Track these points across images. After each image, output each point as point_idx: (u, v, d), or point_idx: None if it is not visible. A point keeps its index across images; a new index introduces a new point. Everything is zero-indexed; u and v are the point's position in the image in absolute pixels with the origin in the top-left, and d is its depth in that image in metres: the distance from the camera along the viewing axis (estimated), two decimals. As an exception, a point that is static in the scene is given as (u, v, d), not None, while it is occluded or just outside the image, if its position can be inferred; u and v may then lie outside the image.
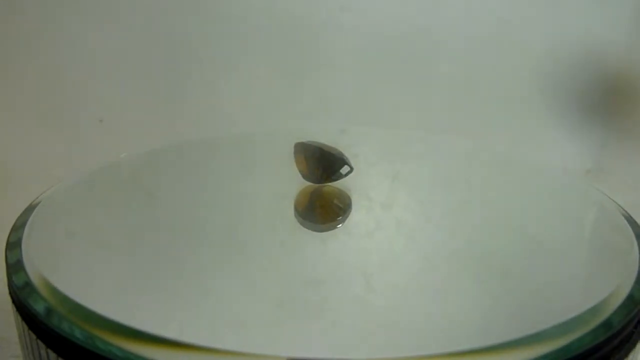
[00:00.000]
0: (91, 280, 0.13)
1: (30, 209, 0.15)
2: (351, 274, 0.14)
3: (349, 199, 0.18)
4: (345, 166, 0.18)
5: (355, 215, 0.18)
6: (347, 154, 0.18)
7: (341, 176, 0.18)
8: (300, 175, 0.18)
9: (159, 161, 0.21)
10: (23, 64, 0.36)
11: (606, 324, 0.11)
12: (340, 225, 0.17)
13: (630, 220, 0.15)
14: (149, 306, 0.12)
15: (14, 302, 0.12)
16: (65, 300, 0.11)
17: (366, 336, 0.12)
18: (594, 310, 0.11)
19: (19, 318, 0.12)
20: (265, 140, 0.24)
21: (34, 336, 0.12)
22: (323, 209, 0.18)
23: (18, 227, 0.15)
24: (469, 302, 0.13)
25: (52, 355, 0.11)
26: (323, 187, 0.18)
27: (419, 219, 0.18)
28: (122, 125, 0.36)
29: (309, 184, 0.18)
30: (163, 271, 0.14)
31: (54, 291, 0.12)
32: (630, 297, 0.12)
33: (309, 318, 0.12)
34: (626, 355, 0.11)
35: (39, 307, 0.11)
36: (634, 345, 0.11)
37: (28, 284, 0.12)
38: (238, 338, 0.11)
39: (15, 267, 0.13)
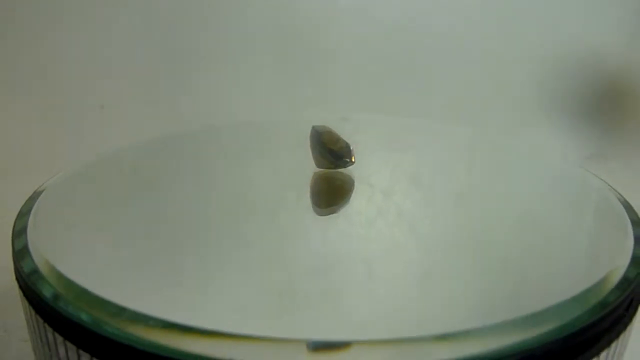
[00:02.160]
0: (96, 265, 0.13)
1: (35, 197, 0.16)
2: (352, 262, 0.14)
3: (352, 185, 0.18)
4: (345, 159, 0.18)
5: (356, 203, 0.18)
6: (349, 142, 0.19)
7: (341, 167, 0.18)
8: (302, 164, 0.19)
9: (161, 150, 0.21)
10: (23, 49, 0.35)
11: (602, 304, 0.11)
12: (339, 209, 0.17)
13: (626, 205, 0.16)
14: (152, 291, 0.13)
15: (20, 287, 0.13)
16: (71, 285, 0.12)
17: (367, 323, 0.12)
18: (589, 291, 0.12)
19: (26, 303, 0.12)
20: (267, 129, 0.25)
21: (41, 320, 0.12)
22: (326, 193, 0.18)
23: (24, 214, 0.15)
24: (469, 289, 0.13)
25: (59, 338, 0.11)
26: (329, 172, 0.19)
27: (420, 207, 0.18)
28: (123, 111, 0.36)
29: (315, 169, 0.19)
30: (166, 257, 0.14)
31: (60, 276, 0.12)
32: (625, 279, 0.12)
33: (310, 306, 0.12)
34: (616, 336, 0.11)
35: (46, 292, 0.12)
36: (624, 327, 0.11)
37: (35, 270, 0.12)
38: (238, 325, 0.11)
39: (21, 253, 0.13)
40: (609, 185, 0.17)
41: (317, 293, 0.13)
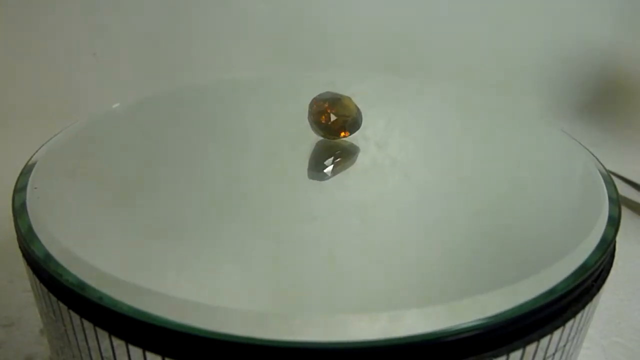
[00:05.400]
0: (90, 228, 0.14)
1: (32, 163, 0.16)
2: (347, 211, 0.15)
3: (348, 155, 0.18)
4: (333, 136, 0.18)
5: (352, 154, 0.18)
6: (345, 94, 0.18)
7: (333, 139, 0.18)
8: (298, 118, 0.19)
9: (159, 106, 0.22)
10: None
11: (583, 267, 0.12)
12: (329, 177, 0.17)
13: (604, 174, 0.16)
14: (149, 244, 0.13)
15: (19, 245, 0.14)
16: (60, 247, 0.12)
17: (360, 268, 0.12)
18: (573, 255, 0.12)
19: (25, 262, 0.13)
20: (265, 84, 0.24)
21: (37, 279, 0.13)
22: (322, 160, 0.18)
23: (24, 176, 0.15)
24: (459, 237, 0.14)
25: (53, 298, 0.12)
26: (328, 140, 0.19)
27: (414, 158, 0.18)
28: (116, 60, 0.34)
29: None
30: (164, 213, 0.14)
31: (51, 237, 0.13)
32: (603, 240, 0.13)
33: (306, 252, 0.13)
34: (583, 307, 0.11)
35: (39, 252, 0.12)
36: (591, 298, 0.12)
37: (30, 229, 0.13)
38: (239, 271, 0.12)
39: (19, 212, 0.14)
40: (594, 155, 0.17)
41: (313, 240, 0.13)
